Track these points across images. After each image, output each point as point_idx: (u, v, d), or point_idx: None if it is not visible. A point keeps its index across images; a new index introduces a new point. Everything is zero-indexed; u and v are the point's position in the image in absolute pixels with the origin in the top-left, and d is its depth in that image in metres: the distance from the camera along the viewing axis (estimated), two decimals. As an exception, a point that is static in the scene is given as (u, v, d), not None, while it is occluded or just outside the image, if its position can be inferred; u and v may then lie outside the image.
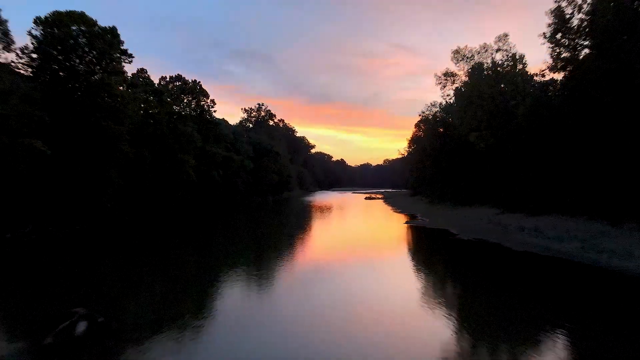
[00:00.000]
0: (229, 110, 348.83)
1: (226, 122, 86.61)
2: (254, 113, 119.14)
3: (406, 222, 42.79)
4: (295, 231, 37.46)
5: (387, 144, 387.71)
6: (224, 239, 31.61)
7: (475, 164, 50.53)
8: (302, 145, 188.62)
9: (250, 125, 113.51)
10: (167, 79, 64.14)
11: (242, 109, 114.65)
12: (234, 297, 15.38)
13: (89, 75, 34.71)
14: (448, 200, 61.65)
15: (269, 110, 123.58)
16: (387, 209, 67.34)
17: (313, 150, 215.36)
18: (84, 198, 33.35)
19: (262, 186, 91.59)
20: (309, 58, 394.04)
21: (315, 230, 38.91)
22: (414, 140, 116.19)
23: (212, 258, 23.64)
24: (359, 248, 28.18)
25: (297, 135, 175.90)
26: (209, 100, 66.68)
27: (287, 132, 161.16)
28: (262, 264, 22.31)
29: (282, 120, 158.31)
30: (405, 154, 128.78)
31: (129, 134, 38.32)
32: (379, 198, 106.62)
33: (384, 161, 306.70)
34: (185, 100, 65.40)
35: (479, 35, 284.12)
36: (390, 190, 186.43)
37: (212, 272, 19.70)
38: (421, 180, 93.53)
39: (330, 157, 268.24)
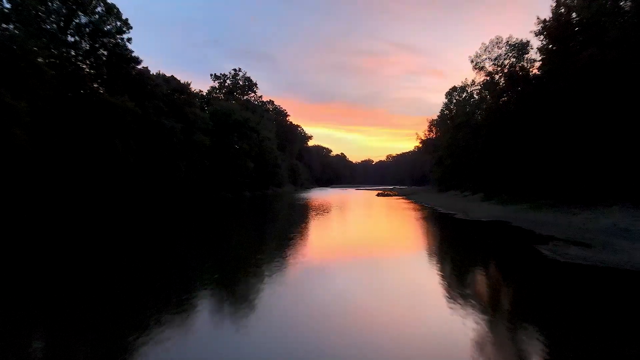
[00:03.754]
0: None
1: (177, 80, 58.45)
2: (228, 81, 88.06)
3: (553, 255, 15.13)
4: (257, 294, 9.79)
5: (388, 142, 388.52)
6: None
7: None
8: (297, 134, 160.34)
9: (222, 97, 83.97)
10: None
11: (211, 75, 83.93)
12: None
13: None
14: (519, 196, 34.77)
15: (249, 77, 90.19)
16: (425, 212, 39.39)
17: (310, 143, 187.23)
18: None
19: (233, 177, 63.67)
20: (309, 57, 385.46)
21: (316, 282, 11.38)
22: (440, 120, 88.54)
23: None
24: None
25: (290, 121, 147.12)
26: (119, 22, 38.62)
27: (277, 115, 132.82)
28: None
29: (271, 102, 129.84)
30: (425, 138, 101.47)
31: None
32: (394, 195, 78.63)
33: (387, 157, 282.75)
34: (76, 20, 37.41)
35: (479, 35, 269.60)
36: (399, 186, 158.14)
37: None
38: (455, 170, 66.86)
39: (329, 150, 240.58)
